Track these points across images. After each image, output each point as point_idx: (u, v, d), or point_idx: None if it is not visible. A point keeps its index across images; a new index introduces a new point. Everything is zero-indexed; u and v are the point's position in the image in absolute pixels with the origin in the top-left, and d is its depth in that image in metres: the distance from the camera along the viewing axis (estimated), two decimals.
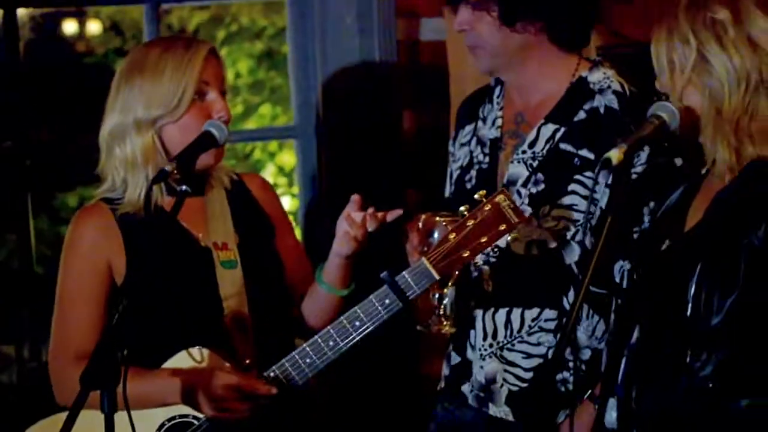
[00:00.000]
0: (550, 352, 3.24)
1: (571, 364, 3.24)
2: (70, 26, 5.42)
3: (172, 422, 3.20)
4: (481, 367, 3.31)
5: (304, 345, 3.15)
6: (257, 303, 3.27)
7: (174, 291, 3.24)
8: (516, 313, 3.28)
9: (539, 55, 3.31)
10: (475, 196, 3.01)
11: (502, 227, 3.00)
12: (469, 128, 3.47)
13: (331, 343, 3.12)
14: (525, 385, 3.28)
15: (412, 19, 4.49)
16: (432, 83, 4.47)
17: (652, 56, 2.90)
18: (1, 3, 4.26)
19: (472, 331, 3.32)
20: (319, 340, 3.13)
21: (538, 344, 3.27)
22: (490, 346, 3.30)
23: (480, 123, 3.44)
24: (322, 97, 4.48)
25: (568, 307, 3.24)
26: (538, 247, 3.26)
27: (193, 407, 3.17)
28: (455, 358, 3.39)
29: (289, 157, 6.44)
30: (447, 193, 3.55)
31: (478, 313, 3.31)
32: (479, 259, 3.26)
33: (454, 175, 3.48)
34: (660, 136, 2.79)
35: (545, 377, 3.18)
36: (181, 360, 3.21)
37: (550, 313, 3.27)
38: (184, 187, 2.98)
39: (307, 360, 3.14)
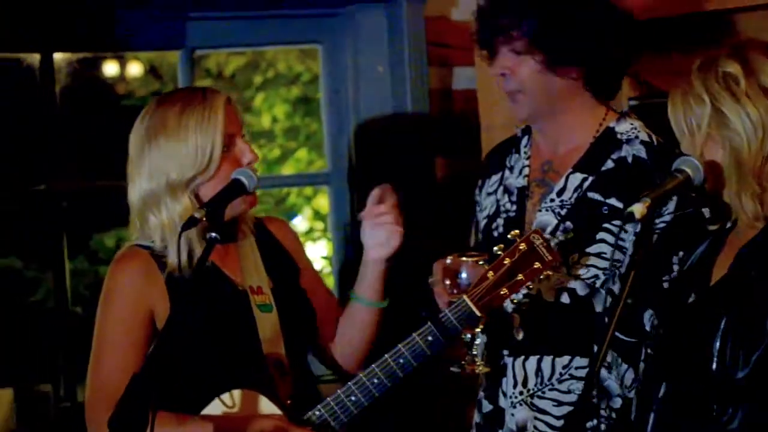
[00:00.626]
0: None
1: (602, 413, 3.24)
2: (110, 68, 5.45)
3: None
4: (513, 414, 3.30)
5: (349, 383, 3.17)
6: (292, 344, 3.29)
7: (216, 335, 3.23)
8: (547, 360, 3.27)
9: (576, 103, 3.32)
10: (509, 236, 3.07)
11: (537, 265, 3.07)
12: (495, 178, 3.48)
13: (375, 380, 3.15)
14: None
15: (444, 68, 4.52)
16: (464, 131, 4.48)
17: (671, 122, 2.93)
18: (37, 47, 4.34)
19: (504, 379, 3.32)
20: (364, 378, 3.16)
21: (569, 392, 3.26)
22: (521, 393, 3.29)
23: (507, 172, 3.45)
24: (355, 144, 4.52)
25: None
26: (568, 294, 3.27)
27: None
28: (487, 406, 3.39)
29: (324, 201, 6.45)
30: (472, 242, 3.56)
31: (509, 360, 3.31)
32: (509, 306, 3.28)
33: (481, 224, 3.49)
34: (684, 190, 2.81)
35: (574, 425, 3.13)
36: (218, 407, 3.19)
37: (580, 361, 3.26)
38: (213, 234, 2.99)
39: (352, 398, 3.16)
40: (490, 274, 3.08)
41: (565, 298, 3.27)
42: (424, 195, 4.43)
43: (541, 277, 3.07)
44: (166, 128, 3.20)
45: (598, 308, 3.25)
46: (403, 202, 4.14)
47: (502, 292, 3.07)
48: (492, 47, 3.30)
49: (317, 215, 6.66)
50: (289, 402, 3.20)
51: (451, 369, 3.22)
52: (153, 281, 3.22)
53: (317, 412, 3.17)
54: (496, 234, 3.40)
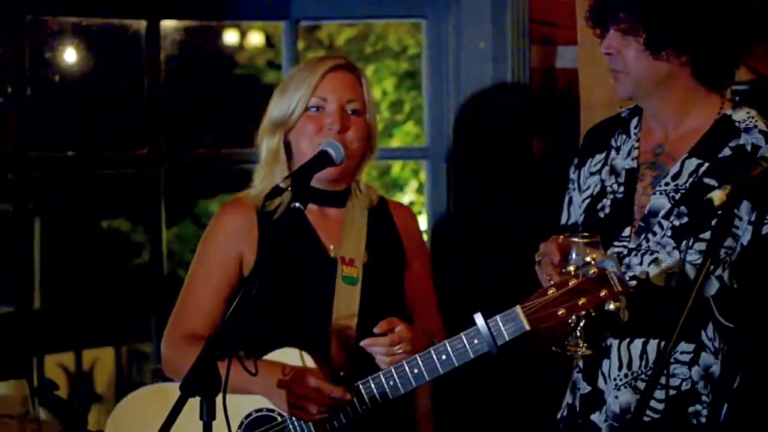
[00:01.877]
0: (684, 384, 3.19)
1: (704, 398, 3.17)
2: (219, 37, 5.48)
3: (260, 413, 3.33)
4: (616, 397, 3.26)
5: (391, 367, 3.22)
6: (368, 323, 3.33)
7: (291, 293, 3.36)
8: (652, 344, 3.23)
9: (682, 88, 3.29)
10: (586, 258, 3.04)
11: (603, 293, 3.01)
12: (599, 157, 3.46)
13: (416, 371, 3.19)
14: (658, 416, 3.21)
15: (547, 47, 4.48)
16: (564, 111, 4.44)
17: None
18: (144, 14, 4.41)
19: (605, 361, 3.28)
20: (406, 366, 3.20)
21: (673, 376, 3.21)
22: (626, 376, 3.25)
23: (613, 153, 3.43)
24: (454, 121, 4.50)
25: (706, 340, 3.20)
26: (678, 279, 3.20)
27: (272, 401, 3.30)
28: (585, 387, 3.35)
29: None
30: (563, 220, 3.53)
31: (614, 342, 3.27)
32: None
33: (583, 204, 3.44)
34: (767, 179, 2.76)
35: (675, 409, 3.14)
36: (280, 356, 3.31)
37: (686, 346, 3.21)
38: (297, 204, 3.06)
39: (391, 382, 3.22)
40: (552, 291, 3.03)
41: (674, 283, 3.21)
42: (521, 173, 4.42)
43: (611, 307, 3.02)
44: (284, 80, 3.55)
45: (708, 294, 3.19)
46: (500, 179, 4.39)
47: (559, 312, 3.03)
48: (602, 26, 3.30)
49: (420, 189, 6.64)
50: (342, 373, 3.29)
51: (553, 349, 3.20)
52: (248, 231, 3.42)
53: (355, 386, 3.24)
54: (602, 215, 3.36)
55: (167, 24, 4.48)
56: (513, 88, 4.39)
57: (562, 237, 3.14)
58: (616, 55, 3.26)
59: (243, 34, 5.69)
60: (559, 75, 4.50)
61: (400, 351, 3.24)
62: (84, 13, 4.38)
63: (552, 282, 3.10)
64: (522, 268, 3.82)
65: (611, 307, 3.02)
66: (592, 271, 3.01)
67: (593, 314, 3.05)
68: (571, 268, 3.07)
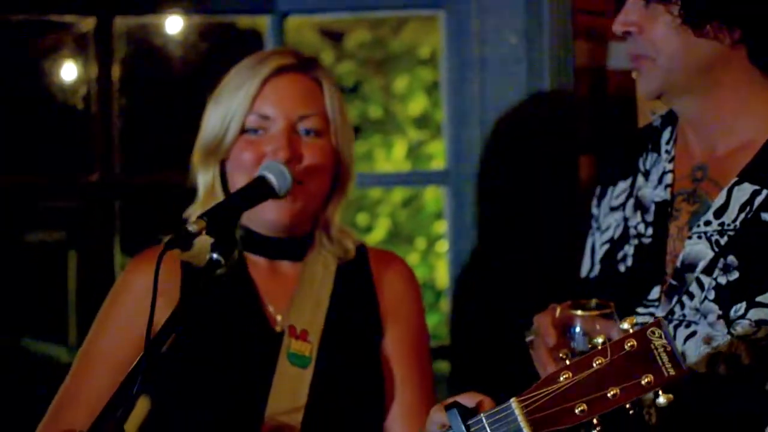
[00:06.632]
0: None
1: None
2: (182, 37, 5.10)
3: None
4: None
5: None
6: (317, 422, 2.74)
7: (212, 377, 2.75)
8: None
9: (734, 80, 2.68)
10: (597, 338, 2.35)
11: (647, 379, 2.25)
12: (623, 186, 2.90)
13: None
14: None
15: (596, 43, 4.08)
16: (618, 122, 4.04)
17: None
18: (93, 9, 4.02)
19: None
20: None
21: None
22: None
23: (641, 179, 2.85)
24: (481, 137, 4.08)
25: None
26: (728, 363, 2.64)
27: None
28: None
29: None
30: (584, 272, 2.98)
31: None
32: None
33: (600, 251, 2.91)
34: None
35: None
36: None
37: None
38: (215, 256, 2.42)
39: None
40: (566, 375, 2.27)
41: (721, 368, 2.63)
42: (566, 200, 4.00)
43: (660, 401, 2.27)
44: (216, 89, 2.96)
45: None
46: (540, 209, 4.04)
47: (577, 410, 2.25)
48: None
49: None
50: None
51: None
52: (167, 291, 2.73)
53: None
54: (622, 268, 2.81)
55: (122, 21, 4.09)
56: (553, 95, 3.99)
57: (560, 307, 2.58)
58: (639, 33, 2.71)
59: (218, 32, 5.31)
60: (611, 77, 4.13)
61: None
62: (14, 9, 3.99)
63: (549, 368, 2.49)
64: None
65: (661, 400, 2.29)
66: (630, 343, 2.29)
67: (631, 412, 2.33)
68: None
